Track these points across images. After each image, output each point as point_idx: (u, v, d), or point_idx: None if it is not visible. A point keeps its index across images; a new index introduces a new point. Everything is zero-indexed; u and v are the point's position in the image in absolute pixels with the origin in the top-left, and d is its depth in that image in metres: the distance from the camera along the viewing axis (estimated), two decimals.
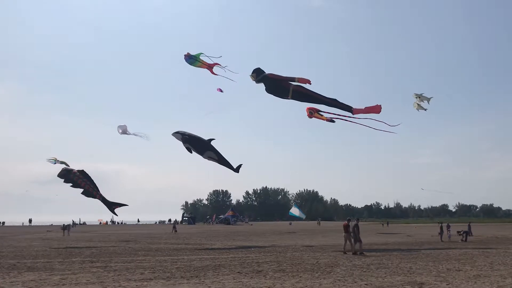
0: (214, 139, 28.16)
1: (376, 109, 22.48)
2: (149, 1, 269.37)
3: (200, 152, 27.81)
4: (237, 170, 28.61)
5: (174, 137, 28.05)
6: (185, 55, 24.71)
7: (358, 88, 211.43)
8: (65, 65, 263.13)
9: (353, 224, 18.98)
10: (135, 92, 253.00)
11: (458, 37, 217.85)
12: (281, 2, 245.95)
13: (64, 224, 43.39)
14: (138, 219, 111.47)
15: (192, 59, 24.70)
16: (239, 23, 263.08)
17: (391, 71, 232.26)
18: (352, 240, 18.66)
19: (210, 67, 24.77)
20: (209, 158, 27.91)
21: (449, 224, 31.01)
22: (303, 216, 71.59)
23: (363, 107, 22.75)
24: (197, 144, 27.79)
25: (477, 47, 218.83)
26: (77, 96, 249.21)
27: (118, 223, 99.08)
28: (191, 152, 27.95)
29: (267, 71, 23.51)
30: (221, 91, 27.51)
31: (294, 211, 70.24)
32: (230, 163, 28.54)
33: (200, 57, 24.74)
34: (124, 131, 29.68)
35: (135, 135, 29.74)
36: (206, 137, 28.29)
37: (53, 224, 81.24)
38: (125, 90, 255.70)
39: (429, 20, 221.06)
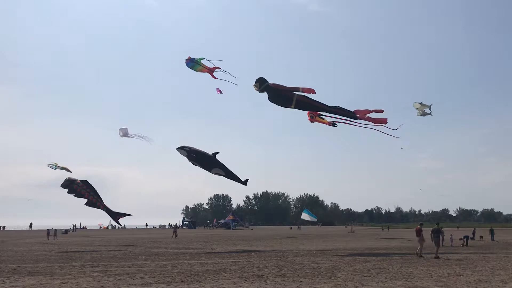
0: (219, 152, 28.09)
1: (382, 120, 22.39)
2: (147, 3, 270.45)
3: (207, 168, 27.70)
4: (245, 183, 28.71)
5: (179, 153, 27.89)
6: (186, 59, 24.83)
7: (356, 92, 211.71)
8: (63, 67, 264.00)
9: (434, 229, 20.30)
10: (135, 95, 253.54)
11: (456, 42, 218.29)
12: (278, 7, 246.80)
13: (48, 229, 43.12)
14: (146, 224, 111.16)
15: (193, 63, 24.81)
16: (236, 28, 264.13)
17: (389, 76, 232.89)
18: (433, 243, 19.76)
19: (211, 71, 24.85)
20: (217, 173, 27.87)
21: (452, 232, 31.10)
22: (315, 219, 73.35)
23: (369, 110, 22.59)
24: (204, 161, 27.71)
25: (474, 52, 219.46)
26: (76, 99, 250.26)
27: (118, 227, 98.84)
28: (196, 165, 27.87)
29: (264, 76, 23.50)
30: (220, 92, 27.53)
31: (305, 216, 71.80)
32: (238, 176, 28.50)
33: (201, 61, 24.82)
34: (125, 134, 29.75)
35: (136, 136, 29.80)
36: (208, 148, 28.33)
37: (56, 229, 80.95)
38: (125, 93, 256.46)
39: (426, 25, 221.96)
